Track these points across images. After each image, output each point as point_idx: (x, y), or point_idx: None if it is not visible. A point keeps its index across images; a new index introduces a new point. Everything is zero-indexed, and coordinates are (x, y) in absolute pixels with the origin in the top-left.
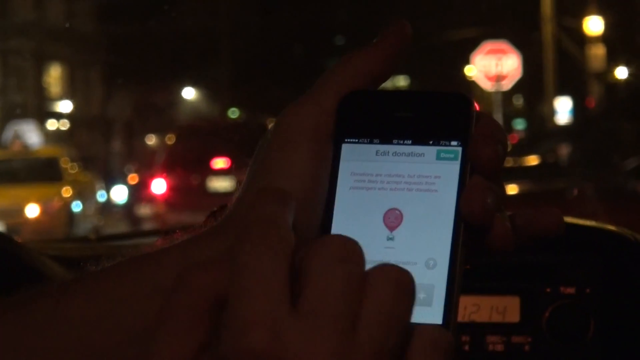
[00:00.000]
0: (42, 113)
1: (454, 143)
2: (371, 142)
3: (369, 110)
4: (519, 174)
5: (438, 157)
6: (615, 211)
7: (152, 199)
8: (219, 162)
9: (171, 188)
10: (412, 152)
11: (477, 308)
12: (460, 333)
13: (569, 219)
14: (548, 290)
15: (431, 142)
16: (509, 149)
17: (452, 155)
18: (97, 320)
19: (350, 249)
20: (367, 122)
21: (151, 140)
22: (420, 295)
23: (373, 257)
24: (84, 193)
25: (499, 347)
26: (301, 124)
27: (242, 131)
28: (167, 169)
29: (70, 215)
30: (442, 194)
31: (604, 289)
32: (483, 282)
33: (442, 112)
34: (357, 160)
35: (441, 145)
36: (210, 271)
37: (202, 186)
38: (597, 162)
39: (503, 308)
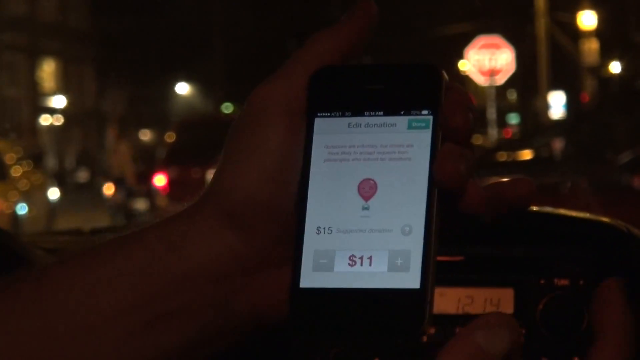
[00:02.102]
0: (36, 108)
1: (424, 112)
2: (343, 115)
3: (339, 84)
4: (512, 168)
5: (410, 127)
6: (609, 204)
7: (153, 192)
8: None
9: (172, 182)
10: (384, 123)
11: (471, 300)
12: (454, 325)
13: (562, 212)
14: (542, 282)
15: (402, 112)
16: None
17: (423, 124)
18: (75, 302)
19: None
20: (339, 96)
21: (145, 135)
22: (397, 260)
23: (349, 226)
24: (31, 194)
25: None
26: (272, 101)
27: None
28: (168, 163)
29: (14, 218)
30: (415, 162)
31: (598, 281)
32: (477, 274)
33: (412, 82)
34: (330, 133)
35: (412, 114)
36: None
37: (203, 179)
38: (591, 157)
39: (497, 300)
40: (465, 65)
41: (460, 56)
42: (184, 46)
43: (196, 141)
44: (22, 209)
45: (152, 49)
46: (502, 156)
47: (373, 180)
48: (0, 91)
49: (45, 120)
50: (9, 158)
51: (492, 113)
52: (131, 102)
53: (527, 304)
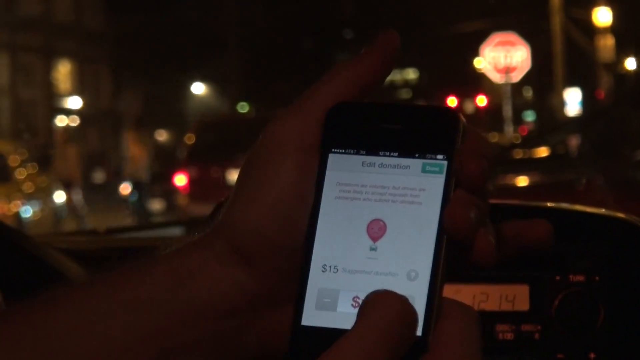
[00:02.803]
0: (51, 109)
1: (439, 157)
2: (358, 153)
3: (356, 121)
4: (528, 165)
5: (423, 170)
6: (624, 200)
7: (173, 192)
8: (239, 156)
9: (192, 181)
10: (398, 164)
11: (486, 297)
12: None
13: (578, 207)
14: (557, 278)
15: (417, 155)
16: (518, 141)
17: (437, 169)
18: (84, 332)
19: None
20: (355, 133)
21: (161, 135)
22: None
23: (355, 266)
24: (36, 197)
25: (509, 336)
26: (287, 135)
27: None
28: (188, 163)
29: (19, 221)
30: (426, 206)
31: (614, 277)
32: (492, 270)
33: (429, 125)
34: (343, 171)
35: (427, 158)
36: None
37: (222, 179)
38: (606, 153)
39: (512, 296)
40: (481, 62)
41: (475, 54)
42: (199, 46)
43: (215, 141)
44: (26, 211)
45: (167, 48)
46: (518, 153)
47: (382, 221)
48: (16, 92)
49: (60, 121)
50: (13, 160)
51: (507, 110)
52: (147, 102)
53: (542, 300)
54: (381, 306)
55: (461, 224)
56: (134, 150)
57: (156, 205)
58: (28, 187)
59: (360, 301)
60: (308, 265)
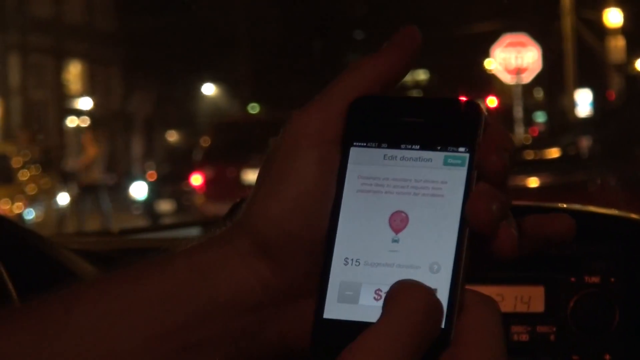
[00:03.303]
0: (62, 110)
1: (461, 149)
2: (379, 147)
3: (378, 115)
4: (540, 166)
5: (445, 163)
6: (637, 202)
7: (190, 191)
8: (254, 156)
9: (208, 181)
10: (419, 157)
11: (501, 298)
12: None
13: (592, 209)
14: (573, 279)
15: (439, 148)
16: (528, 142)
17: (459, 162)
18: (106, 327)
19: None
20: (376, 127)
21: (172, 136)
22: None
23: (377, 259)
24: (39, 199)
25: (524, 337)
26: (307, 129)
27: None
28: (204, 164)
29: (21, 222)
30: (448, 199)
31: (629, 278)
32: (508, 272)
33: (450, 118)
34: (364, 164)
35: (449, 151)
36: None
37: (238, 179)
38: (618, 154)
39: (528, 298)
40: (492, 63)
41: (486, 54)
42: (210, 47)
43: (231, 141)
44: (29, 213)
45: (177, 49)
46: (529, 154)
47: (405, 213)
48: (27, 93)
49: (71, 122)
50: (16, 162)
51: (518, 112)
52: (157, 103)
53: (558, 302)
54: (407, 297)
55: (484, 216)
56: (89, 151)
57: (166, 206)
58: (31, 188)
59: (382, 294)
60: (330, 258)
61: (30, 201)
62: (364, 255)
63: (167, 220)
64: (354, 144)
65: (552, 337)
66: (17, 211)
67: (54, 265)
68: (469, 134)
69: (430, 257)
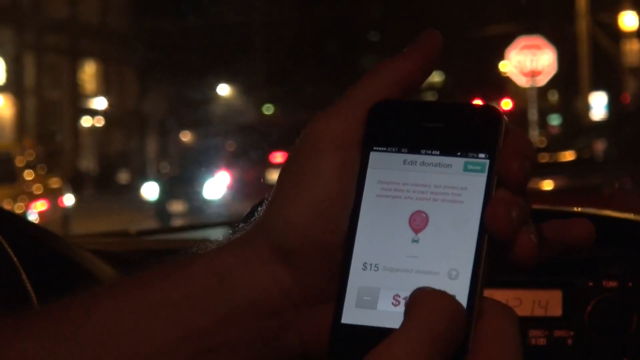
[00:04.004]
0: (77, 110)
1: (481, 155)
2: (399, 151)
3: (398, 120)
4: (554, 169)
5: (465, 169)
6: None
7: (217, 190)
8: (277, 157)
9: (234, 180)
10: (439, 163)
11: (519, 302)
12: None
13: (609, 213)
14: (590, 284)
15: (459, 154)
16: (543, 145)
17: (479, 168)
18: (125, 330)
19: None
20: (396, 131)
21: (186, 136)
22: None
23: (396, 265)
24: (44, 198)
25: (542, 342)
26: (328, 133)
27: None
28: (230, 164)
29: None
30: (468, 205)
31: None
32: (525, 276)
33: (471, 124)
34: (384, 169)
35: (469, 157)
36: None
37: (262, 178)
38: (633, 157)
39: (545, 302)
40: (507, 66)
41: (501, 57)
42: (225, 47)
43: (255, 142)
44: (32, 214)
45: (192, 50)
46: (544, 157)
47: (425, 213)
48: (42, 93)
49: (86, 122)
50: (19, 161)
51: (533, 114)
52: (172, 103)
53: (575, 306)
54: (429, 304)
55: (503, 223)
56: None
57: (178, 206)
58: (37, 188)
59: (400, 300)
60: (348, 263)
61: (35, 201)
62: (382, 261)
63: (178, 221)
64: (374, 148)
65: (569, 342)
66: (19, 211)
67: (72, 266)
68: (490, 140)
69: (448, 263)
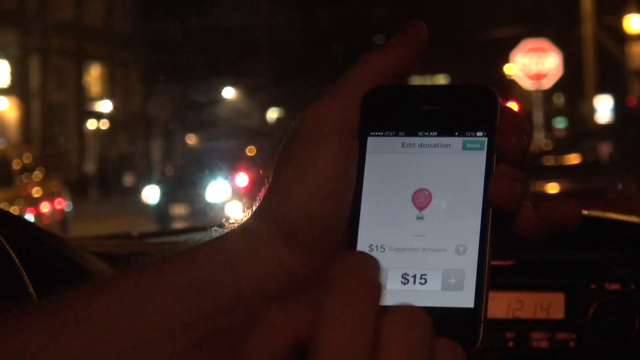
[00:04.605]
0: (83, 113)
1: (479, 134)
2: (397, 135)
3: (393, 104)
4: (560, 172)
5: (464, 148)
6: None
7: (235, 191)
8: None
9: (253, 181)
10: (438, 144)
11: (521, 304)
12: (504, 329)
13: (612, 216)
14: (593, 286)
15: (457, 134)
16: (548, 148)
17: (478, 146)
18: (130, 317)
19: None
20: (392, 116)
21: (191, 139)
22: (451, 280)
23: (402, 244)
24: (41, 204)
25: (544, 344)
26: (325, 119)
27: None
28: (249, 165)
29: None
30: (470, 182)
31: None
32: (527, 278)
33: (466, 104)
34: (383, 152)
35: (467, 136)
36: (292, 313)
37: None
38: (638, 161)
39: (548, 304)
40: (512, 69)
41: (506, 60)
42: (230, 50)
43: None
44: (28, 218)
45: (198, 53)
46: (549, 160)
47: (428, 190)
48: (47, 95)
49: (91, 124)
50: (16, 164)
51: (538, 117)
52: (177, 106)
53: (577, 309)
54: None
55: (507, 195)
56: None
57: (180, 209)
58: (35, 192)
59: (409, 278)
60: (354, 246)
61: (31, 205)
62: (388, 241)
63: (179, 224)
64: (371, 133)
65: (571, 344)
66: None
67: (74, 268)
68: (487, 119)
69: (455, 239)
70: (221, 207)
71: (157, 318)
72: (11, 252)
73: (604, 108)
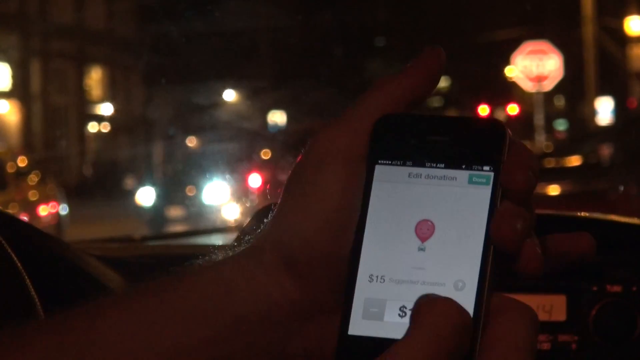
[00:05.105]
0: (84, 116)
1: (486, 168)
2: (404, 165)
3: (402, 133)
4: (560, 174)
5: (470, 182)
6: None
7: (249, 192)
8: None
9: (265, 182)
10: (444, 176)
11: None
12: None
13: (614, 218)
14: (594, 288)
15: (464, 167)
16: (549, 150)
17: (484, 180)
18: (132, 340)
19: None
20: (401, 145)
21: (192, 142)
22: None
23: (402, 276)
24: (36, 207)
25: (546, 346)
26: (334, 145)
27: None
28: (262, 166)
29: None
30: (473, 217)
31: None
32: (529, 280)
33: (475, 137)
34: (389, 182)
35: (473, 170)
36: None
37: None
38: (639, 163)
39: (550, 306)
40: (513, 71)
41: (507, 62)
42: (231, 53)
43: (287, 149)
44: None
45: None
46: (550, 162)
47: (431, 222)
48: (48, 98)
49: (92, 127)
50: (10, 166)
51: (539, 119)
52: (178, 109)
53: (579, 311)
54: (435, 311)
55: (508, 235)
56: None
57: (177, 212)
58: (31, 195)
59: (407, 311)
60: (355, 275)
61: (24, 209)
62: (389, 272)
63: (175, 227)
64: (379, 162)
65: (573, 346)
66: None
67: (76, 271)
68: (494, 153)
69: (455, 274)
70: (218, 210)
71: (156, 342)
72: (12, 255)
73: (604, 110)
